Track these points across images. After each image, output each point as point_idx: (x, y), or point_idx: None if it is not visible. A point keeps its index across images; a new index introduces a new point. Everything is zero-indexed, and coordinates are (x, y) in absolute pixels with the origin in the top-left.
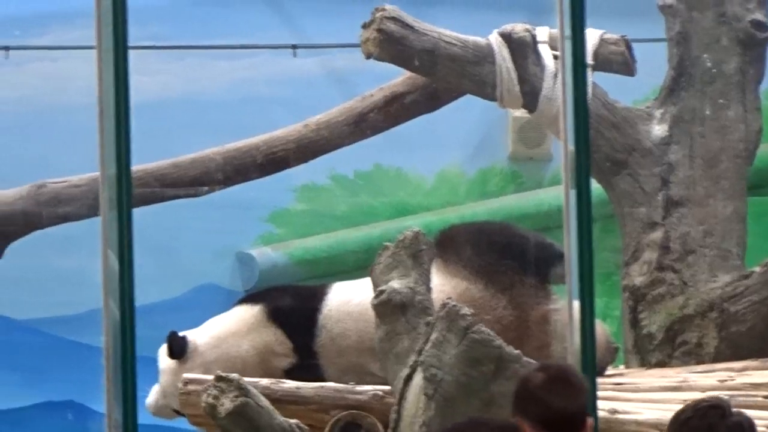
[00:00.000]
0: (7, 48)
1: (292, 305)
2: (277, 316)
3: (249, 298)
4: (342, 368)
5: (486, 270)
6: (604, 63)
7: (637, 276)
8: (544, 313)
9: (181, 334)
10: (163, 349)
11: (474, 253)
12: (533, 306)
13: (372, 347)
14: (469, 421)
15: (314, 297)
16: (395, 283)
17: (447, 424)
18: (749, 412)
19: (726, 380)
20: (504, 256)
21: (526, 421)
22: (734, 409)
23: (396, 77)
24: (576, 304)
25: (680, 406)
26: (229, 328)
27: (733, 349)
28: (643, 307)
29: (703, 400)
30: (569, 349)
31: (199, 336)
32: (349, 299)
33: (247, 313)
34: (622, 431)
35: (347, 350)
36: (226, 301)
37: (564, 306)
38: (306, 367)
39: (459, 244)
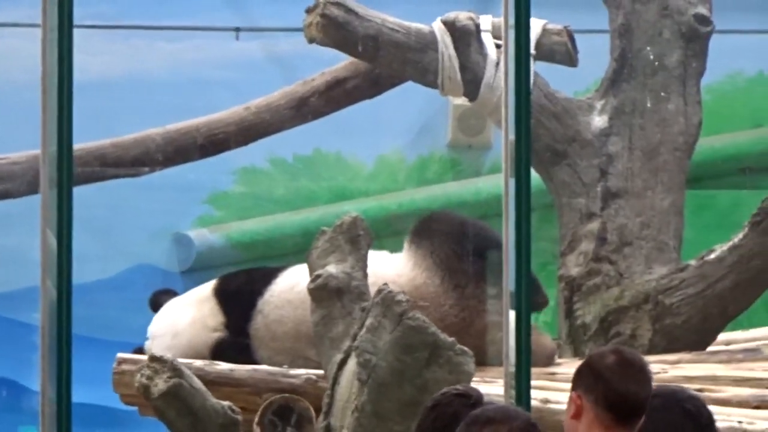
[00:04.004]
0: None
1: (237, 284)
2: (219, 291)
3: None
4: (275, 351)
5: (447, 264)
6: (546, 53)
7: (574, 266)
8: (486, 325)
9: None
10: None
11: (444, 243)
12: (479, 313)
13: (309, 334)
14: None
15: (263, 279)
16: (332, 268)
17: (380, 409)
18: None
19: (659, 372)
20: (471, 255)
21: (588, 398)
22: (488, 399)
23: (338, 62)
24: (512, 290)
25: None
26: (185, 298)
27: (668, 342)
28: (579, 297)
29: (454, 388)
30: (504, 337)
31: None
32: (292, 285)
33: (203, 287)
34: (554, 421)
35: (282, 336)
36: (163, 282)
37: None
38: (234, 344)
39: (433, 232)
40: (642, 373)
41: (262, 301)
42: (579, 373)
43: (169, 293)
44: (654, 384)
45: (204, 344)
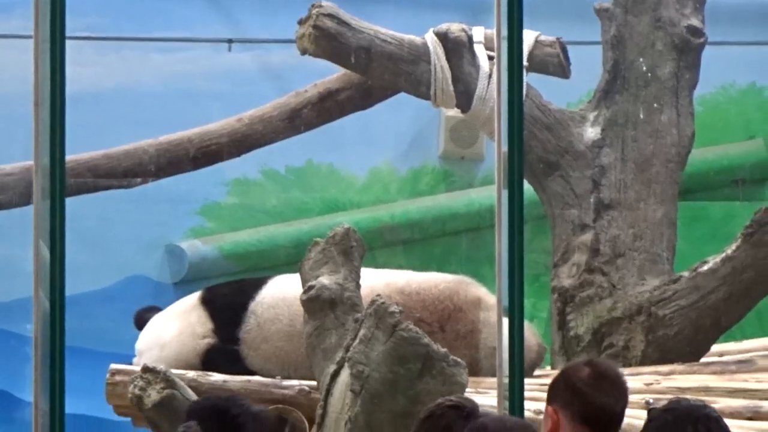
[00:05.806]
0: None
1: (226, 291)
2: (206, 299)
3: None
4: (266, 356)
5: None
6: (538, 64)
7: (566, 278)
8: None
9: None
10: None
11: None
12: None
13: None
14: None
15: (252, 286)
16: (324, 279)
17: (373, 420)
18: None
19: (652, 384)
20: None
21: (564, 413)
22: (483, 410)
23: (331, 74)
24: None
25: None
26: (169, 311)
27: (660, 353)
28: (571, 308)
29: (448, 399)
30: (498, 348)
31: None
32: (286, 286)
33: (187, 298)
34: None
35: (275, 335)
36: (155, 293)
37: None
38: (225, 350)
39: None
40: (617, 384)
41: (254, 303)
42: (554, 386)
43: (153, 310)
44: (674, 396)
45: (193, 352)
